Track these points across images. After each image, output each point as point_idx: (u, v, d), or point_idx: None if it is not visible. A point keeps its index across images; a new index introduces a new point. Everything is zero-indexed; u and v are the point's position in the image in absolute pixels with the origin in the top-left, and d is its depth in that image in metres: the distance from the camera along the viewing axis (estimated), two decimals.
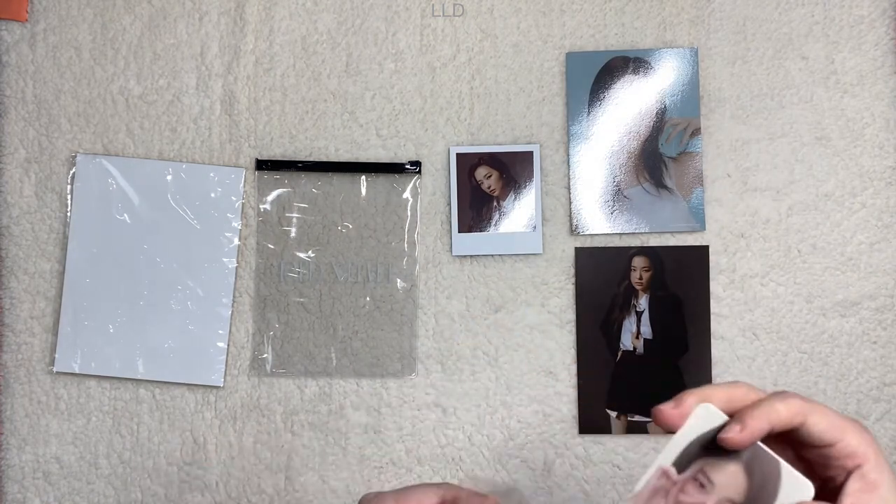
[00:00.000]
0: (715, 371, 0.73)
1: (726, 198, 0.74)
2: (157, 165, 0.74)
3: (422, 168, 0.74)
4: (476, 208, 0.73)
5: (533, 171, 0.73)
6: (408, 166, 0.74)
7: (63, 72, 0.74)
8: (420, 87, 0.75)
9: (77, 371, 0.72)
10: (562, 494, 0.73)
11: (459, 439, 0.73)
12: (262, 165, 0.73)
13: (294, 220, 0.74)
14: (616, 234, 0.73)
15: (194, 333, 0.73)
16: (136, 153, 0.74)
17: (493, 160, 0.73)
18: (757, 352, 0.73)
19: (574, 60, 0.73)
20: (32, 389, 0.73)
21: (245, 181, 0.74)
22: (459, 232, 0.73)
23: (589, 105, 0.73)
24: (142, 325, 0.73)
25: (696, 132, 0.73)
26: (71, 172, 0.74)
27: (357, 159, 0.74)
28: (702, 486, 0.35)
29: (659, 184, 0.73)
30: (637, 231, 0.73)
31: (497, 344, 0.73)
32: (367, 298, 0.73)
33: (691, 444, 0.36)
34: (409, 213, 0.74)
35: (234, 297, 0.73)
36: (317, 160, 0.74)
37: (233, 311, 0.73)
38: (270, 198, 0.74)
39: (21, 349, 0.73)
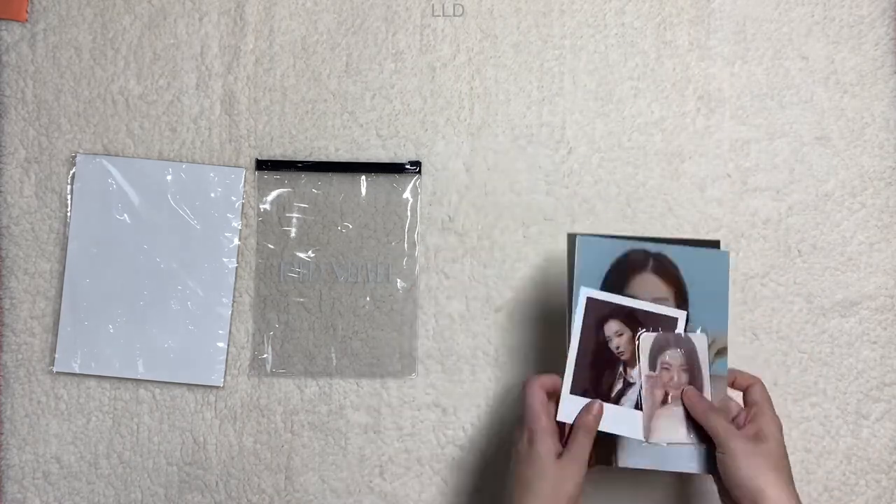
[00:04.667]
0: None
1: (726, 198, 0.74)
2: (157, 165, 0.74)
3: (422, 168, 0.74)
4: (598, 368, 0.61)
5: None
6: (408, 166, 0.74)
7: (63, 72, 0.74)
8: (420, 88, 0.75)
9: (77, 371, 0.72)
10: None
11: (459, 439, 0.73)
12: (262, 165, 0.73)
13: (294, 220, 0.74)
14: None
15: (194, 333, 0.73)
16: (136, 153, 0.74)
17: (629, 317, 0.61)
18: (757, 352, 0.73)
19: (588, 250, 0.61)
20: (32, 389, 0.73)
21: (245, 181, 0.74)
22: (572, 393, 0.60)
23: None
24: (142, 325, 0.73)
25: (723, 352, 0.61)
26: (71, 172, 0.74)
27: (357, 159, 0.74)
28: (666, 369, 0.60)
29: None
30: None
31: (497, 344, 0.73)
32: (367, 298, 0.73)
33: (650, 355, 0.60)
34: (409, 213, 0.74)
35: (234, 297, 0.73)
36: (317, 160, 0.74)
37: (233, 311, 0.73)
38: (270, 198, 0.74)
39: (21, 349, 0.73)
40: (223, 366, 0.73)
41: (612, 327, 0.61)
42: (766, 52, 0.75)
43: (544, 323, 0.74)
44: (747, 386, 0.61)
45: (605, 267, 0.61)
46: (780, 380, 0.73)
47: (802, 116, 0.74)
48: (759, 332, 0.73)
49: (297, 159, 0.74)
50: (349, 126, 0.74)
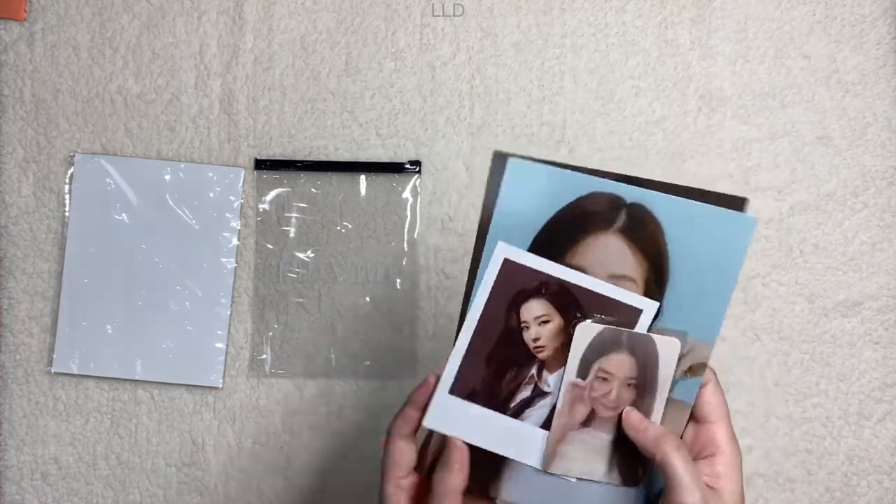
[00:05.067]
0: (717, 371, 0.72)
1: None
2: (156, 165, 0.73)
3: (422, 168, 0.74)
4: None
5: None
6: (407, 166, 0.73)
7: (61, 71, 0.74)
8: (420, 87, 0.74)
9: (75, 372, 0.72)
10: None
11: None
12: (261, 165, 0.73)
13: (293, 220, 0.74)
14: None
15: (193, 334, 0.72)
16: (135, 153, 0.74)
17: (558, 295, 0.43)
18: (758, 352, 0.73)
19: (521, 182, 0.42)
20: (30, 390, 0.73)
21: (244, 181, 0.74)
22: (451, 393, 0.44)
23: None
24: (140, 326, 0.72)
25: (699, 370, 0.43)
26: (69, 172, 0.73)
27: (357, 159, 0.74)
28: (604, 379, 0.42)
29: None
30: None
31: None
32: (367, 298, 0.73)
33: (584, 357, 0.42)
34: (409, 213, 0.73)
35: (232, 297, 0.73)
36: (316, 160, 0.74)
37: (231, 312, 0.73)
38: (269, 197, 0.74)
39: (19, 350, 0.73)
40: (222, 366, 0.72)
41: (533, 309, 0.42)
42: (767, 52, 0.74)
43: None
44: (713, 423, 0.44)
45: (546, 214, 0.41)
46: (781, 380, 0.72)
47: (804, 116, 0.74)
48: (760, 332, 0.73)
49: (297, 159, 0.74)
50: (348, 125, 0.74)
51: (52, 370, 0.72)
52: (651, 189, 0.40)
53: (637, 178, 0.40)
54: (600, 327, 0.41)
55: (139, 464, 0.72)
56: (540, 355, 0.43)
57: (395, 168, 0.73)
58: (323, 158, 0.74)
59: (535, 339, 0.42)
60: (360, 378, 0.73)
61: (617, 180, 0.40)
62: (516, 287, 0.41)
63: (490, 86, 0.74)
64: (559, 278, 0.41)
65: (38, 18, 0.74)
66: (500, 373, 0.43)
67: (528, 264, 0.41)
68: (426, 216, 0.74)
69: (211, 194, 0.73)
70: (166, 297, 0.73)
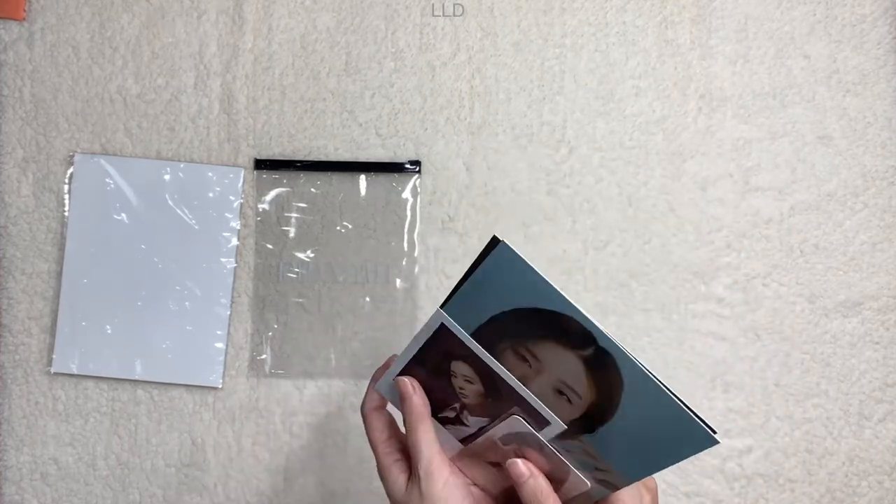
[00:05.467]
0: (717, 371, 0.72)
1: (728, 197, 0.73)
2: (155, 165, 0.73)
3: (421, 167, 0.73)
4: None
5: None
6: (407, 166, 0.73)
7: (61, 71, 0.74)
8: (420, 87, 0.74)
9: (75, 372, 0.72)
10: None
11: None
12: (261, 165, 0.73)
13: (293, 220, 0.73)
14: None
15: (192, 334, 0.72)
16: (134, 153, 0.74)
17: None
18: (759, 352, 0.73)
19: (503, 269, 0.41)
20: (30, 390, 0.72)
21: (244, 181, 0.73)
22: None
23: None
24: (140, 326, 0.72)
25: (611, 488, 0.44)
26: (69, 172, 0.73)
27: (356, 159, 0.74)
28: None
29: None
30: None
31: None
32: (367, 298, 0.73)
33: (504, 436, 0.45)
34: (408, 213, 0.73)
35: (232, 297, 0.73)
36: (316, 160, 0.73)
37: (231, 312, 0.73)
38: (269, 197, 0.73)
39: (18, 350, 0.73)
40: (221, 367, 0.72)
41: (460, 368, 0.44)
42: (767, 51, 0.74)
43: None
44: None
45: (522, 303, 0.41)
46: (782, 380, 0.72)
47: (804, 116, 0.74)
48: (761, 332, 0.73)
49: (296, 158, 0.73)
50: (348, 125, 0.74)
51: (52, 370, 0.72)
52: (630, 359, 0.39)
53: (623, 351, 0.39)
54: (529, 431, 0.43)
55: (139, 464, 0.72)
56: (463, 399, 0.45)
57: (394, 168, 0.73)
58: (323, 158, 0.74)
59: (461, 388, 0.45)
60: (360, 378, 0.73)
61: (602, 332, 0.39)
62: (449, 346, 0.43)
63: (490, 86, 0.74)
64: (486, 363, 0.43)
65: (37, 18, 0.74)
66: (432, 388, 0.46)
67: (463, 340, 0.43)
68: (426, 216, 0.74)
69: (211, 194, 0.73)
70: (166, 297, 0.72)
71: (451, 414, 0.46)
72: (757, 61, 0.74)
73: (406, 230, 0.73)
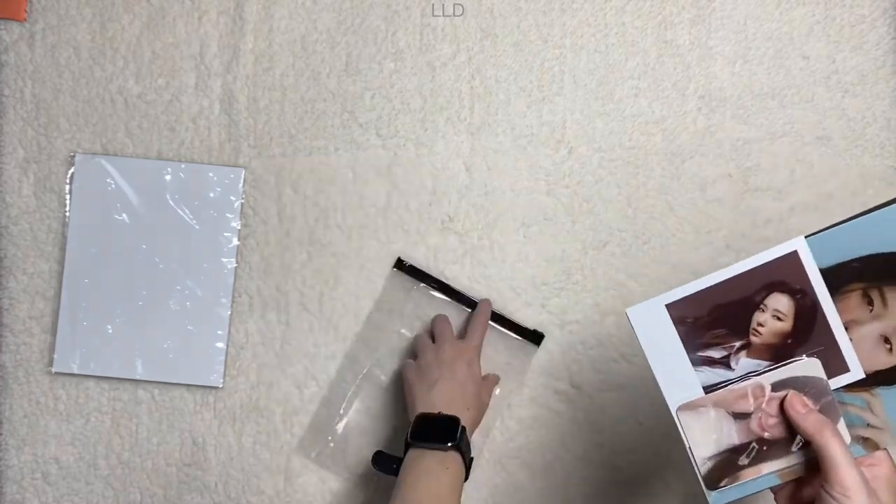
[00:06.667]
0: None
1: (727, 198, 0.74)
2: (156, 165, 0.73)
3: (422, 167, 0.74)
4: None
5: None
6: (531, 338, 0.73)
7: (62, 71, 0.74)
8: (420, 87, 0.74)
9: (76, 371, 0.72)
10: (562, 494, 0.72)
11: None
12: (402, 266, 0.73)
13: (293, 220, 0.74)
14: None
15: (193, 334, 0.72)
16: (135, 153, 0.74)
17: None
18: None
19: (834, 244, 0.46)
20: (31, 390, 0.73)
21: (244, 181, 0.74)
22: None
23: None
24: (141, 326, 0.72)
25: (871, 447, 0.48)
26: (70, 172, 0.73)
27: (356, 159, 0.74)
28: (775, 417, 0.46)
29: None
30: None
31: (497, 345, 0.73)
32: (367, 298, 0.73)
33: (786, 380, 0.46)
34: (408, 213, 0.73)
35: (233, 297, 0.73)
36: (439, 280, 0.73)
37: (232, 312, 0.73)
38: (269, 197, 0.74)
39: (20, 349, 0.73)
40: (222, 366, 0.72)
41: (780, 302, 0.46)
42: (767, 52, 0.75)
43: (545, 323, 0.73)
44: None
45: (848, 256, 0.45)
46: None
47: (803, 116, 0.74)
48: None
49: (289, 154, 0.73)
50: (348, 125, 0.74)
51: (53, 370, 0.72)
52: None
53: None
54: (821, 376, 0.46)
55: (139, 463, 0.72)
56: (752, 338, 0.46)
57: (520, 332, 0.72)
58: (323, 158, 0.74)
59: (760, 325, 0.46)
60: (361, 378, 0.73)
61: None
62: (782, 276, 0.45)
63: (490, 86, 0.74)
64: (817, 298, 0.46)
65: (38, 19, 0.74)
66: (712, 324, 0.46)
67: (807, 269, 0.45)
68: (426, 216, 0.74)
69: (211, 194, 0.73)
70: (167, 297, 0.73)
71: (719, 354, 0.46)
72: (756, 62, 0.75)
73: (405, 230, 0.73)
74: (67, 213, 0.73)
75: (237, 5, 0.74)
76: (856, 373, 0.46)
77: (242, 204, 0.74)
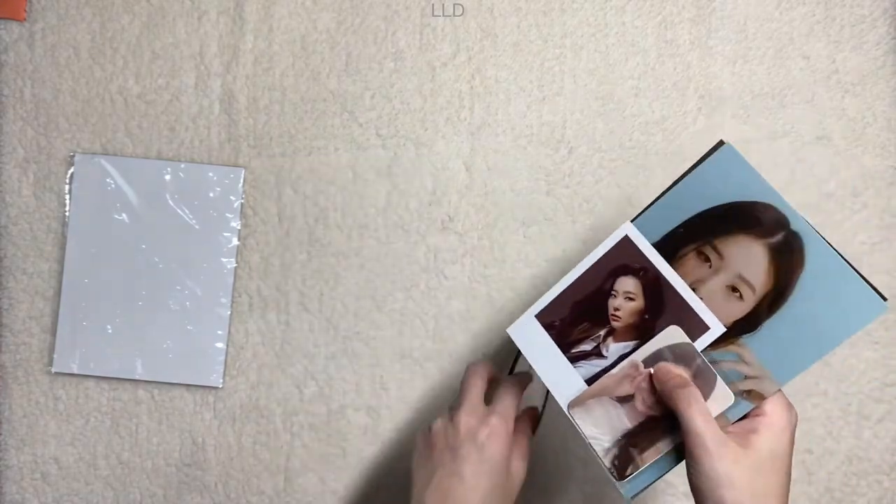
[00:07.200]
0: None
1: None
2: (156, 165, 0.73)
3: (422, 167, 0.74)
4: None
5: None
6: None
7: (61, 71, 0.74)
8: (420, 87, 0.74)
9: (75, 371, 0.72)
10: (562, 495, 0.72)
11: None
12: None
13: (293, 220, 0.74)
14: None
15: (193, 334, 0.72)
16: (135, 153, 0.74)
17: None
18: None
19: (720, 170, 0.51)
20: (31, 390, 0.73)
21: (244, 181, 0.74)
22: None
23: None
24: (140, 326, 0.72)
25: (757, 398, 0.47)
26: (69, 172, 0.73)
27: (356, 159, 0.74)
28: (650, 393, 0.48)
29: None
30: None
31: (497, 345, 0.73)
32: (368, 299, 0.73)
33: (656, 351, 0.48)
34: (408, 213, 0.73)
35: (233, 297, 0.73)
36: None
37: (232, 312, 0.73)
38: (270, 197, 0.74)
39: (19, 349, 0.73)
40: (222, 366, 0.72)
41: (626, 284, 0.49)
42: (767, 52, 0.74)
43: None
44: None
45: (718, 200, 0.48)
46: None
47: (804, 116, 0.74)
48: None
49: (289, 154, 0.74)
50: (348, 125, 0.74)
51: (53, 370, 0.72)
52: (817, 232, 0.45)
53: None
54: (686, 341, 0.47)
55: (139, 463, 0.72)
56: (613, 323, 0.49)
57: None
58: (323, 158, 0.74)
59: (616, 309, 0.49)
60: (360, 378, 0.73)
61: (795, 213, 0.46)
62: (622, 261, 0.49)
63: (490, 86, 0.74)
64: (658, 271, 0.48)
65: (38, 18, 0.74)
66: (576, 321, 0.50)
67: (641, 248, 0.49)
68: (426, 216, 0.74)
69: (211, 194, 0.73)
70: (166, 297, 0.73)
71: (590, 346, 0.50)
72: (756, 62, 0.75)
73: (405, 230, 0.73)
74: (67, 213, 0.73)
75: (237, 5, 0.74)
76: (716, 328, 0.47)
77: (242, 204, 0.74)
